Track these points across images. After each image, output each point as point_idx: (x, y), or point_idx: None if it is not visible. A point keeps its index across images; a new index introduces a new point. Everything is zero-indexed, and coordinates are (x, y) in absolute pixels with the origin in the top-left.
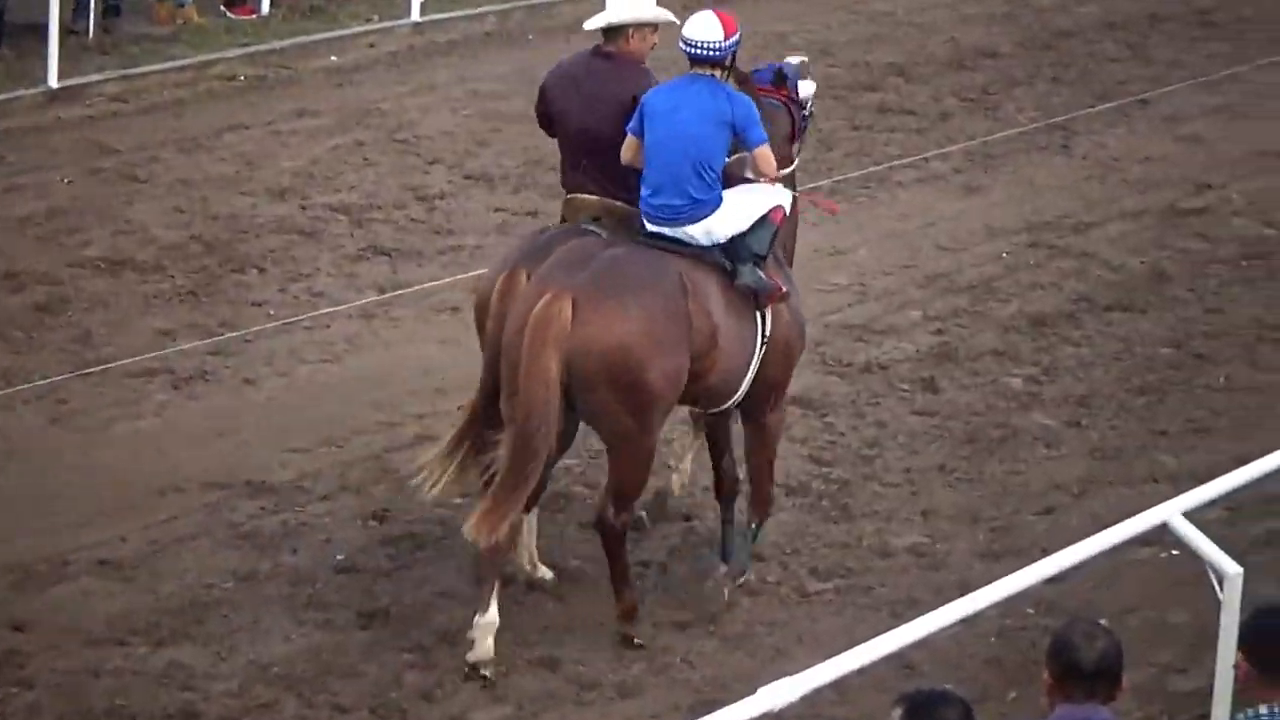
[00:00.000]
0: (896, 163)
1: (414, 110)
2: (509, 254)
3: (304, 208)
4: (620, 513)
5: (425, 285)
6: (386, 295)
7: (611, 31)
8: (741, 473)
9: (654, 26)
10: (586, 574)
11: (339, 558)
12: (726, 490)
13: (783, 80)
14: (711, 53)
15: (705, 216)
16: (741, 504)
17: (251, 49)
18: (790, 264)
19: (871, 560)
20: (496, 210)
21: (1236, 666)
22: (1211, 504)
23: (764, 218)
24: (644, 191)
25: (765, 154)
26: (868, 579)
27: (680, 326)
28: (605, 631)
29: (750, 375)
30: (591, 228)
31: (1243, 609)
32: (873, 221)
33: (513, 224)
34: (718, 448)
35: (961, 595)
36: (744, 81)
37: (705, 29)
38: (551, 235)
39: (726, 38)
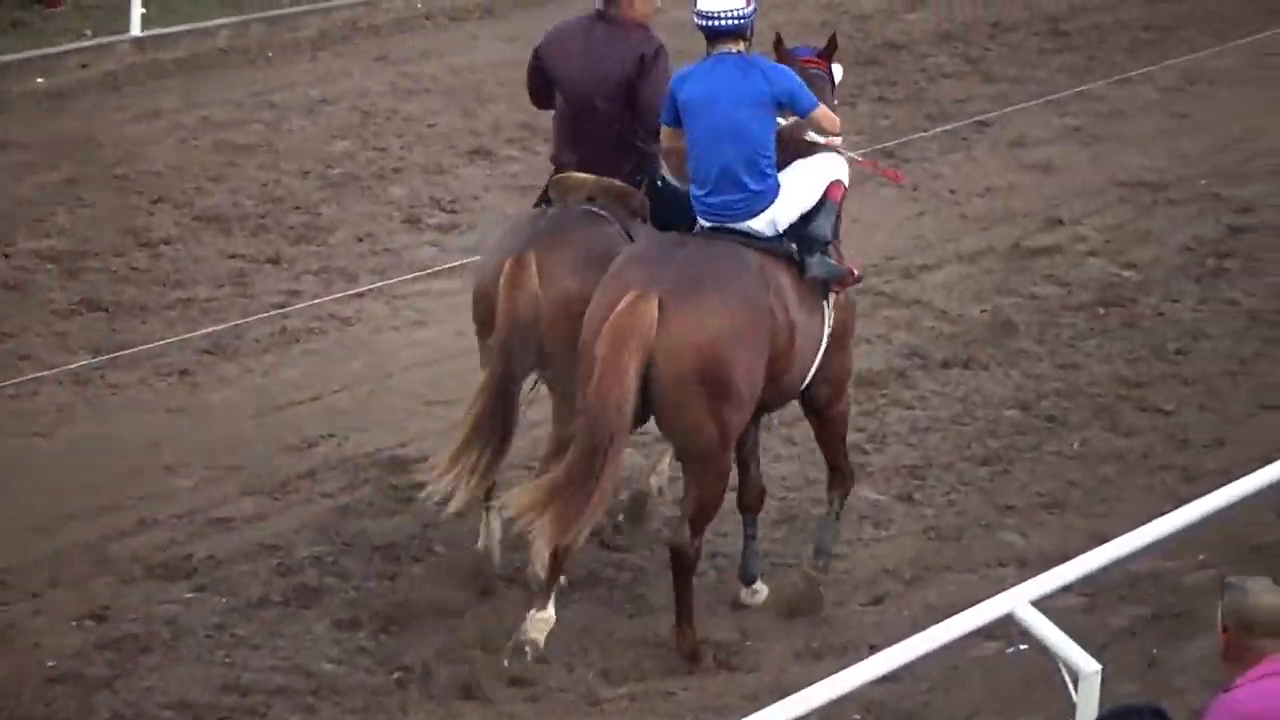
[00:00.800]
0: None
1: (135, 141)
2: (511, 239)
3: (7, 255)
4: (696, 536)
5: (149, 345)
6: (103, 357)
7: None
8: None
9: None
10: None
11: (50, 664)
12: (752, 503)
13: (833, 49)
14: (735, 22)
15: (766, 207)
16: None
17: None
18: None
19: (673, 660)
20: (233, 257)
21: None
22: (1065, 590)
23: (824, 199)
24: (696, 189)
25: (823, 114)
26: (668, 683)
27: (765, 326)
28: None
29: (813, 369)
30: (589, 207)
31: (1102, 710)
32: None
33: (251, 272)
34: (744, 455)
35: (777, 700)
36: (784, 58)
37: None
38: (557, 217)
39: (747, 3)
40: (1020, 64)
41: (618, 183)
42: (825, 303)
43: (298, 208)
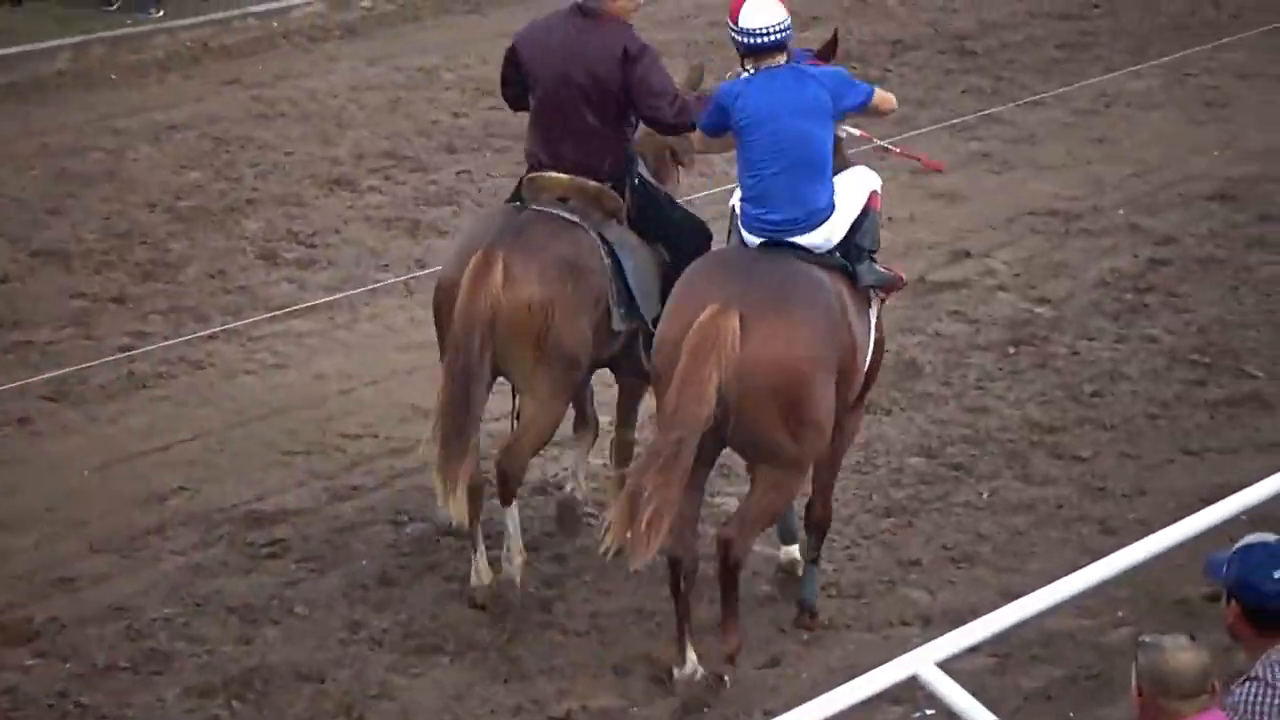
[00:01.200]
0: None
1: None
2: (474, 234)
3: None
4: (746, 541)
5: None
6: None
7: None
8: None
9: None
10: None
11: None
12: (819, 522)
13: (834, 49)
14: (781, 35)
15: (824, 222)
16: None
17: None
18: None
19: None
20: (75, 296)
21: None
22: (974, 650)
23: (866, 209)
24: (751, 207)
25: (881, 97)
26: None
27: (840, 344)
28: None
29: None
30: (559, 212)
31: None
32: None
33: (95, 312)
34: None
35: None
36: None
37: (767, 13)
38: (529, 219)
39: (787, 15)
40: (924, 86)
41: (593, 183)
42: (871, 311)
43: (144, 242)
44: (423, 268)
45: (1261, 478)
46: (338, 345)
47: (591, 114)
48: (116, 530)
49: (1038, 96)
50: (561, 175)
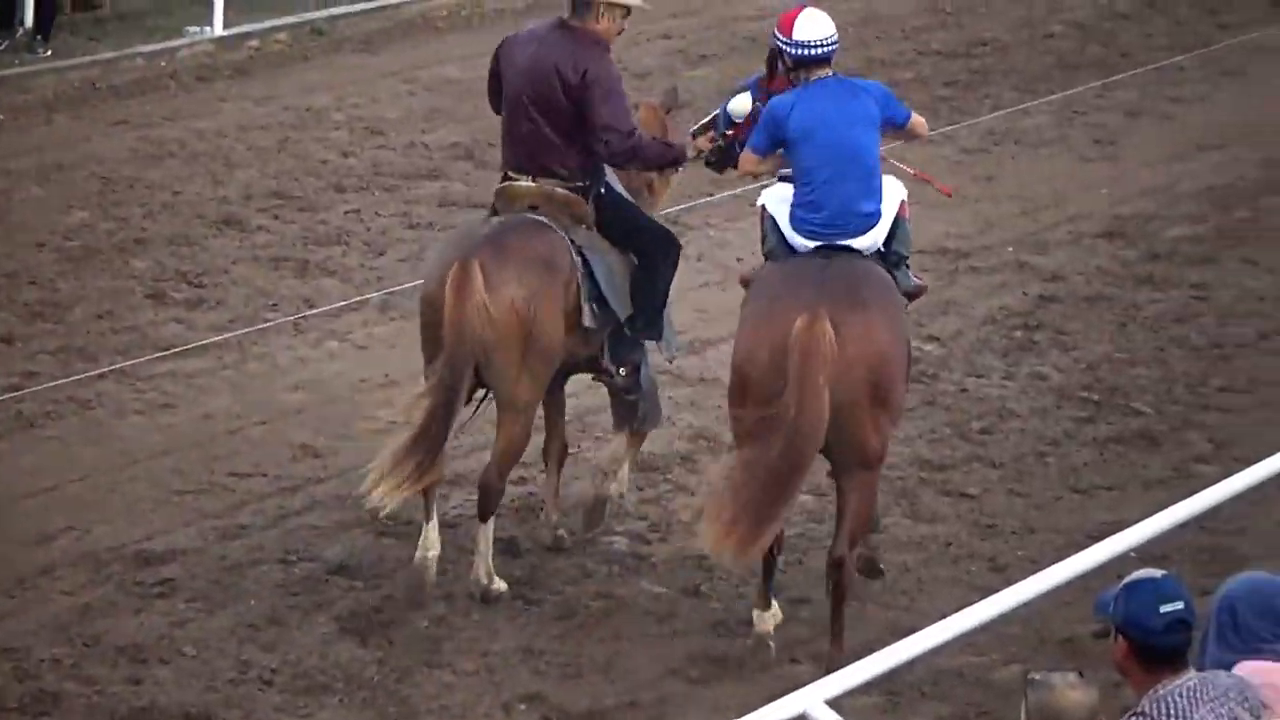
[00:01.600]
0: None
1: None
2: (455, 246)
3: None
4: (852, 554)
5: None
6: None
7: (581, 6)
8: None
9: (626, 10)
10: None
11: None
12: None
13: (773, 69)
14: (831, 48)
15: (873, 227)
16: None
17: None
18: None
19: None
20: None
21: None
22: (864, 688)
23: (898, 217)
24: (804, 212)
25: (917, 120)
26: None
27: (908, 334)
28: None
29: None
30: (529, 216)
31: None
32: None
33: None
34: None
35: None
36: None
37: (818, 26)
38: (500, 225)
39: (835, 29)
40: None
41: (561, 190)
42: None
43: (32, 282)
44: (311, 307)
45: (1149, 515)
46: (226, 385)
47: (553, 124)
48: (4, 571)
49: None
50: (530, 184)
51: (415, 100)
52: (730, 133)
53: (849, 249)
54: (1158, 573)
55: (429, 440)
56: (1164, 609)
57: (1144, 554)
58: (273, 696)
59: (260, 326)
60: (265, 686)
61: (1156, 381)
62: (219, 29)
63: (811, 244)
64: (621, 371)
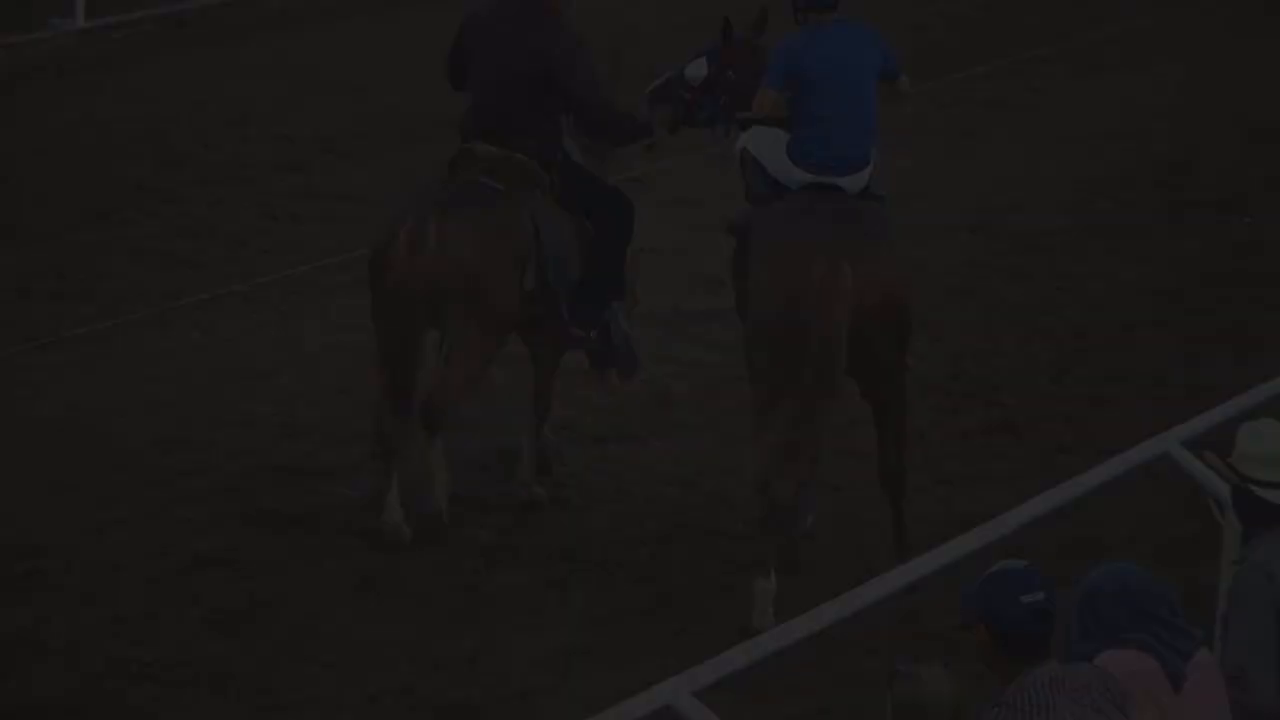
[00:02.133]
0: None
1: None
2: (409, 207)
3: None
4: (906, 466)
5: None
6: None
7: None
8: None
9: None
10: None
11: None
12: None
13: (763, 26)
14: None
15: (865, 167)
16: None
17: None
18: None
19: None
20: None
21: None
22: (730, 680)
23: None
24: (807, 145)
25: (906, 80)
26: None
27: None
28: None
29: None
30: (483, 180)
31: None
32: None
33: None
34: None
35: None
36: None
37: None
38: (456, 188)
39: None
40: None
41: (518, 156)
42: None
43: None
44: (176, 299)
45: (1013, 505)
46: (93, 378)
47: (522, 99)
48: None
49: None
50: (489, 148)
51: (278, 92)
52: (689, 96)
53: (837, 188)
54: (1020, 563)
55: (394, 381)
56: (1025, 599)
57: (1009, 544)
58: (143, 689)
59: (126, 318)
60: (135, 680)
61: (1019, 372)
62: (81, 20)
63: (808, 177)
64: (592, 335)
